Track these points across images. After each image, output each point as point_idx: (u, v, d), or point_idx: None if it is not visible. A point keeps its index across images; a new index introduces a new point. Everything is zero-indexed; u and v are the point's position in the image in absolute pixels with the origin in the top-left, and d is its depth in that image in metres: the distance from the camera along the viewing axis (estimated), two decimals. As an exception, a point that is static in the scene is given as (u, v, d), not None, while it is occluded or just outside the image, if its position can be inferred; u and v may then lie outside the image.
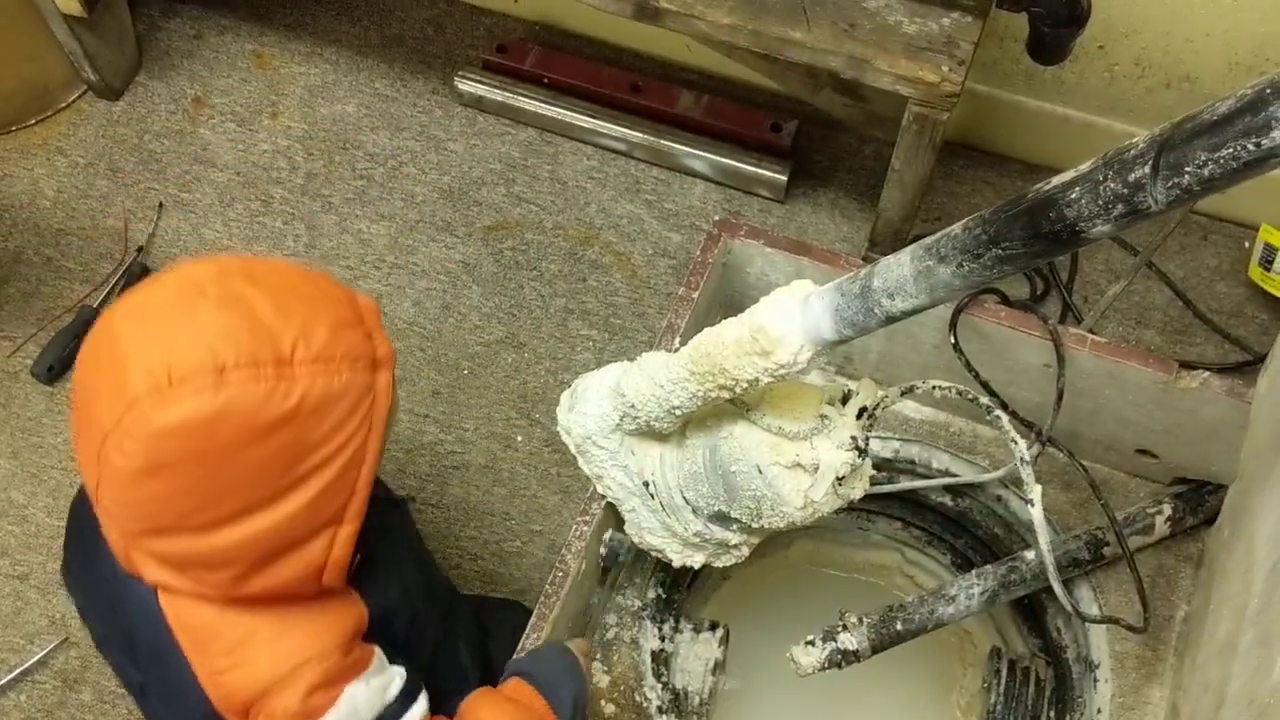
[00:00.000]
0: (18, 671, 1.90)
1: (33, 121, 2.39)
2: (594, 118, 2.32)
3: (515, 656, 1.39)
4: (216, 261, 1.00)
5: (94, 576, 1.12)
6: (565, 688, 1.32)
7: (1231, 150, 0.79)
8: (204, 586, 1.03)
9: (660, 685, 1.70)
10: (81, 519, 1.19)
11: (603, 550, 1.53)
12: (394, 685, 1.15)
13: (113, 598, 1.09)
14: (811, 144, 2.33)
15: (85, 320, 2.15)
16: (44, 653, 1.93)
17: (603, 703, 1.64)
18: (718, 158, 2.29)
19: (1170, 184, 0.83)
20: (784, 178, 2.26)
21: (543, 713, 1.27)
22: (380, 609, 1.18)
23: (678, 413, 1.33)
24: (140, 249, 2.24)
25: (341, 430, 0.99)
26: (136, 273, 2.20)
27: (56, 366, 2.11)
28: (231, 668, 1.04)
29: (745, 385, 1.23)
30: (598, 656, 1.64)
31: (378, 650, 1.15)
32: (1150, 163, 0.84)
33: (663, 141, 2.30)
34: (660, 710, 1.68)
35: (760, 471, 1.31)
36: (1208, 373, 1.56)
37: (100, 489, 0.97)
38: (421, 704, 1.18)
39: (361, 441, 1.01)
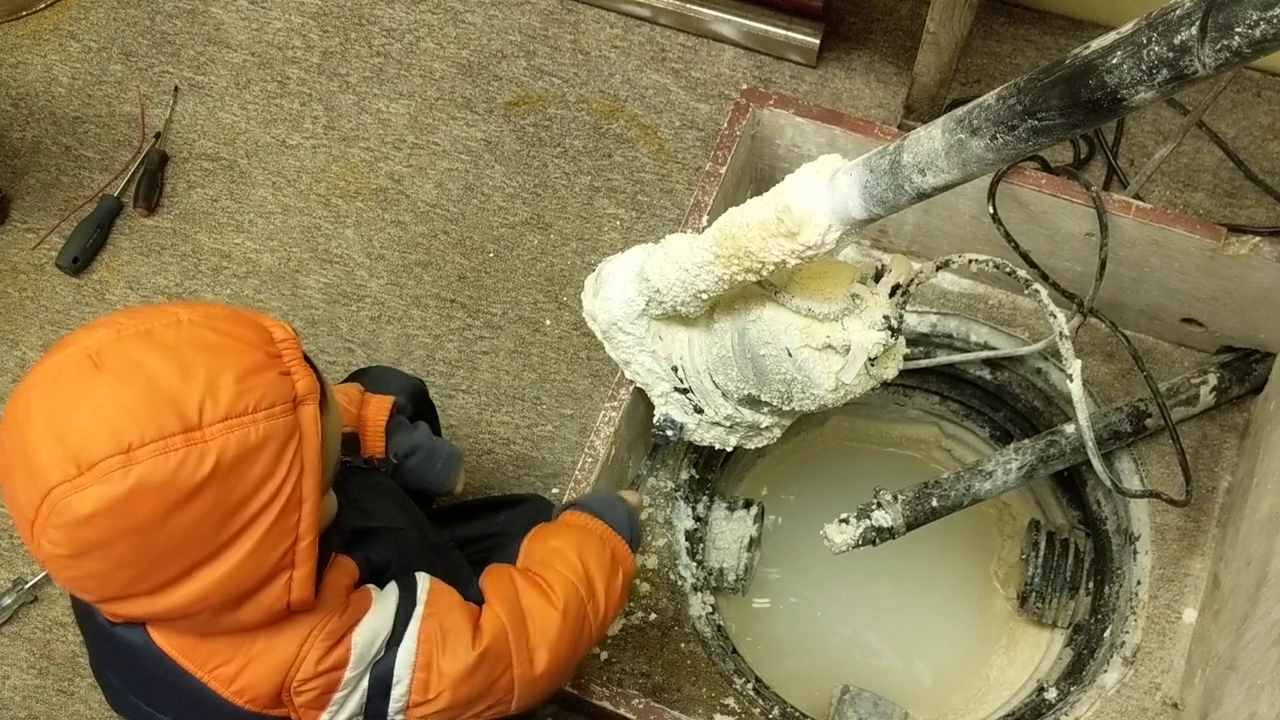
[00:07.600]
0: (40, 576, 1.92)
1: (42, 6, 2.33)
2: (616, -17, 2.24)
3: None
4: (113, 324, 0.95)
5: (94, 623, 1.10)
6: (618, 511, 1.31)
7: (1288, 8, 0.73)
8: (176, 630, 1.03)
9: (695, 564, 1.71)
10: None
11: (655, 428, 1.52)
12: (391, 597, 1.14)
13: (113, 642, 1.08)
14: (845, 4, 2.23)
15: (107, 210, 2.12)
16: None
17: (638, 581, 1.64)
18: (747, 21, 2.20)
19: (1219, 46, 0.77)
20: (816, 41, 2.17)
21: (600, 531, 1.28)
22: (370, 562, 1.15)
23: (704, 297, 1.30)
24: (158, 135, 2.20)
25: (271, 479, 0.95)
26: (156, 159, 2.17)
27: (81, 258, 2.09)
28: (241, 670, 1.04)
29: (772, 267, 1.19)
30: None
31: (372, 589, 1.14)
32: (1198, 23, 0.78)
33: (689, 6, 2.21)
34: (695, 588, 1.68)
35: (790, 355, 1.28)
36: (1258, 238, 1.51)
37: (46, 566, 0.95)
38: (423, 581, 1.16)
39: (294, 484, 0.97)
